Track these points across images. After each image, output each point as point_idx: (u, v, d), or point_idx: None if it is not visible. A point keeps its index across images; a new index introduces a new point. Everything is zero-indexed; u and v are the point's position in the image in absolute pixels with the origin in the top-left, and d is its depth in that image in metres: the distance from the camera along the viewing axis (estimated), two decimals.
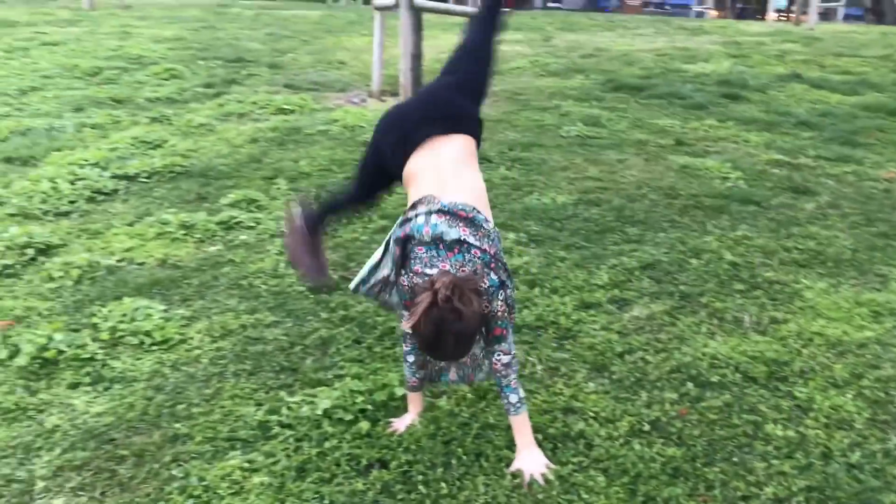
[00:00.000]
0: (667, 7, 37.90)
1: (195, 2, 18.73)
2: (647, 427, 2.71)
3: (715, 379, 3.02)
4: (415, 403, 2.75)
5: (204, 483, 2.44)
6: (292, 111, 7.11)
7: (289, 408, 2.81)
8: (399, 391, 2.85)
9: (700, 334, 3.36)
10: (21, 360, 3.08)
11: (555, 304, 3.56)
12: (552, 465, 2.49)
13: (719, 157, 5.94)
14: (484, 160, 5.66)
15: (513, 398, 2.47)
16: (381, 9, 7.77)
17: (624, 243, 4.29)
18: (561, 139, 6.37)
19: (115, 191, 5.10)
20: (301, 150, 5.93)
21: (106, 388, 2.98)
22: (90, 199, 4.94)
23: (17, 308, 3.55)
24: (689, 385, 2.97)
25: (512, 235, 4.32)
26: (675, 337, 3.33)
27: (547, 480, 2.43)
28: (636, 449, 2.59)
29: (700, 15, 27.17)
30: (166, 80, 8.47)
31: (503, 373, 2.46)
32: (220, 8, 16.28)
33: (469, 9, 8.00)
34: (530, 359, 3.14)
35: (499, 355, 2.45)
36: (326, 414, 2.76)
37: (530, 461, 2.49)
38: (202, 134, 6.41)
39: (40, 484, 2.47)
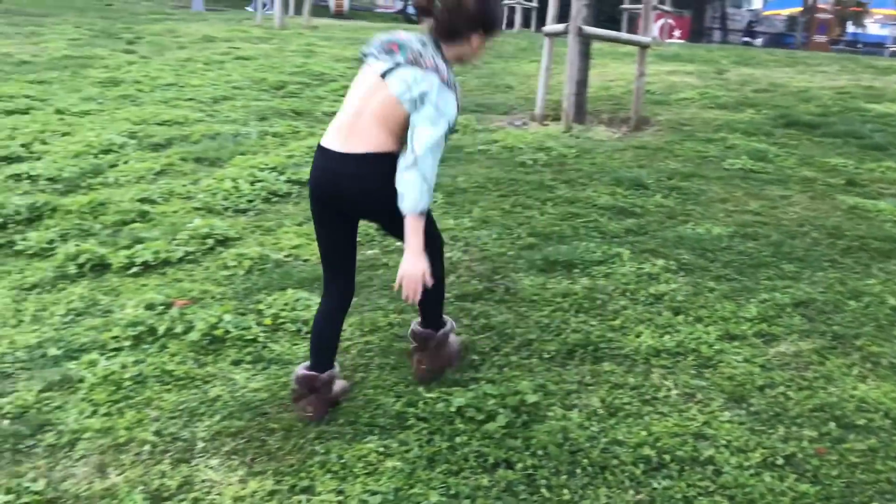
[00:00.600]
0: (859, 45, 35.69)
1: (377, 26, 19.70)
2: (780, 461, 2.65)
3: (861, 422, 2.90)
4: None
5: (342, 461, 2.63)
6: (455, 130, 7.36)
7: (425, 402, 2.96)
8: (530, 398, 2.93)
9: (850, 376, 3.22)
10: (193, 336, 3.42)
11: (697, 333, 3.52)
12: (429, 278, 2.57)
13: (895, 201, 5.62)
14: (641, 186, 5.65)
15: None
16: (551, 35, 7.91)
17: (778, 279, 4.17)
18: (723, 171, 6.23)
19: (289, 194, 5.51)
20: (459, 167, 6.14)
21: (264, 368, 3.25)
22: (266, 200, 5.36)
23: (194, 290, 3.94)
24: (832, 425, 2.87)
25: (661, 262, 4.30)
26: (821, 376, 3.21)
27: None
28: (767, 481, 2.54)
29: None
30: (342, 96, 8.99)
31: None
32: None
33: (639, 38, 7.98)
34: (666, 383, 3.13)
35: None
36: (459, 411, 2.88)
37: (408, 266, 2.57)
38: None
39: (200, 445, 2.75)
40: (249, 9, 23.13)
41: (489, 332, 3.53)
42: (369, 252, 4.49)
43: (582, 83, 7.67)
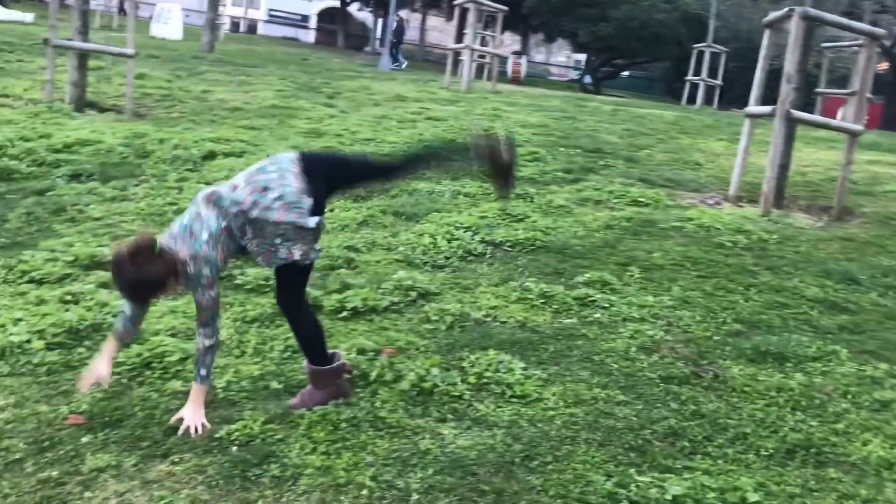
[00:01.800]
0: None
1: (555, 94, 19.99)
2: None
3: None
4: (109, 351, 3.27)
5: None
6: (647, 204, 7.28)
7: (637, 486, 2.88)
8: (751, 497, 2.78)
9: None
10: (404, 385, 3.51)
11: None
12: (207, 424, 3.10)
13: None
14: (853, 281, 5.34)
15: (202, 371, 3.13)
16: (753, 116, 7.71)
17: None
18: None
19: (483, 254, 5.61)
20: (654, 242, 6.04)
21: (468, 427, 3.28)
22: (462, 258, 5.48)
23: (400, 340, 4.05)
24: None
25: (884, 366, 4.01)
26: None
27: None
28: None
29: None
30: (530, 161, 9.13)
31: (201, 352, 3.11)
32: (580, 101, 17.18)
33: (851, 125, 7.63)
34: None
35: (202, 337, 3.11)
36: (675, 501, 2.78)
37: (190, 413, 3.12)
38: (560, 214, 6.80)
39: (414, 496, 2.79)
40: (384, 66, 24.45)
41: (699, 420, 3.40)
42: (567, 321, 4.47)
43: (784, 167, 7.40)
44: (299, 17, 44.16)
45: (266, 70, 16.85)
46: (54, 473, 2.80)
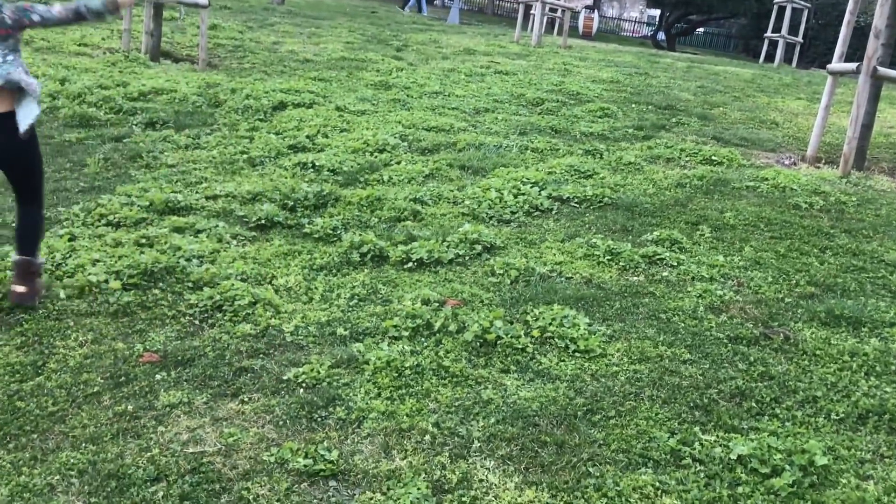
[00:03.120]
0: None
1: (628, 49, 19.50)
2: None
3: None
4: None
5: (618, 488, 2.59)
6: (720, 163, 7.09)
7: (701, 444, 2.85)
8: (820, 460, 2.73)
9: None
10: (467, 336, 3.53)
11: None
12: None
13: None
14: None
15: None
16: (836, 73, 7.39)
17: None
18: None
19: (550, 209, 5.55)
20: (726, 201, 5.89)
21: (531, 379, 3.28)
22: (528, 213, 5.44)
23: (464, 291, 4.06)
24: None
25: None
26: None
27: None
28: None
29: None
30: (600, 117, 8.97)
31: None
32: (653, 57, 16.74)
33: None
34: None
35: None
36: (741, 460, 2.74)
37: None
38: (630, 172, 6.68)
39: (476, 444, 2.81)
40: (406, 11, 24.14)
41: (768, 381, 3.34)
42: (634, 278, 4.41)
43: (867, 127, 7.10)
44: None
45: (335, 22, 16.86)
46: (129, 407, 2.91)
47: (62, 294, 3.72)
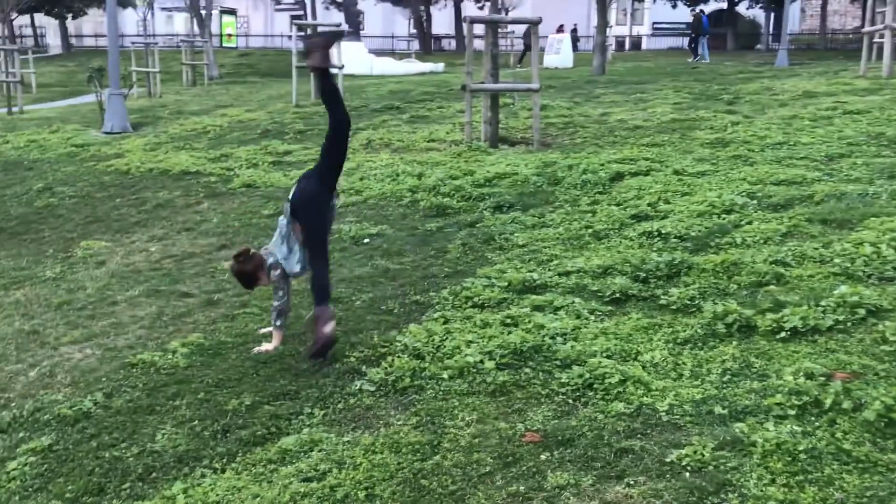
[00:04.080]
0: None
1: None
2: None
3: None
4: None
5: None
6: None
7: None
8: None
9: None
10: (868, 415, 3.17)
11: None
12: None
13: None
14: None
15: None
16: None
17: None
18: None
19: None
20: None
21: None
22: None
23: (853, 363, 3.67)
24: None
25: None
26: None
27: None
28: None
29: None
30: None
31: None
32: None
33: None
34: None
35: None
36: None
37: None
38: None
39: None
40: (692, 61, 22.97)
41: None
42: None
43: None
44: (684, 26, 43.33)
45: (659, 85, 16.78)
46: (521, 488, 3.02)
47: (445, 375, 4.03)
